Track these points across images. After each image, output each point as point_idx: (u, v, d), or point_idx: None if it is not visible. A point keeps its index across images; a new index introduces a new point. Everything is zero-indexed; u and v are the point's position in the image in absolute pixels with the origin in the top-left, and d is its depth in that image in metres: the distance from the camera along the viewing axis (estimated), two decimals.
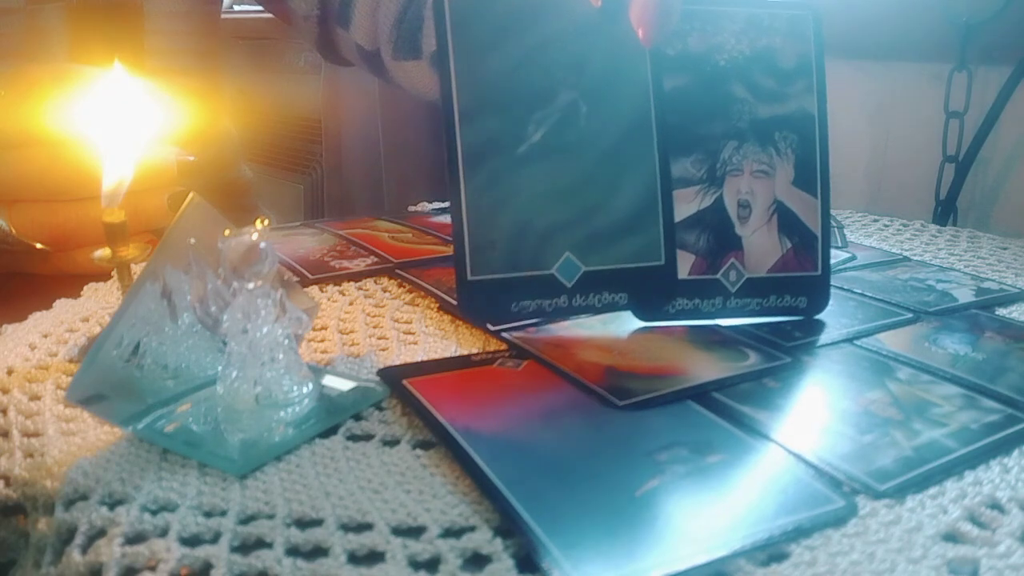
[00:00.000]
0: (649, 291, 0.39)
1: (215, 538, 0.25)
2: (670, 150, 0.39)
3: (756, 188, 0.40)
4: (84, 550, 0.25)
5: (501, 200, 0.37)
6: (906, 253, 0.55)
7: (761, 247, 0.40)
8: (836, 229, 0.61)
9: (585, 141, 0.38)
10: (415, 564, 0.24)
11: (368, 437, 0.31)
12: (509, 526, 0.25)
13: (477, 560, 0.24)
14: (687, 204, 0.40)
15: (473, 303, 0.37)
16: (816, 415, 0.32)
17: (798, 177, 0.41)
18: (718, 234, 0.40)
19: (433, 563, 0.24)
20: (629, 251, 0.39)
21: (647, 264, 0.39)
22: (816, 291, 0.41)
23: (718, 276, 0.40)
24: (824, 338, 0.39)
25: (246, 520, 0.26)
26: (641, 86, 0.39)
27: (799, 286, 0.41)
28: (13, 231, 0.49)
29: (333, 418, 0.32)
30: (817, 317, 0.41)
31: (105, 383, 0.30)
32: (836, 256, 0.52)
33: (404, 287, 0.47)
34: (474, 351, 0.38)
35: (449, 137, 0.37)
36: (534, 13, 0.38)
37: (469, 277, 0.37)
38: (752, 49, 0.40)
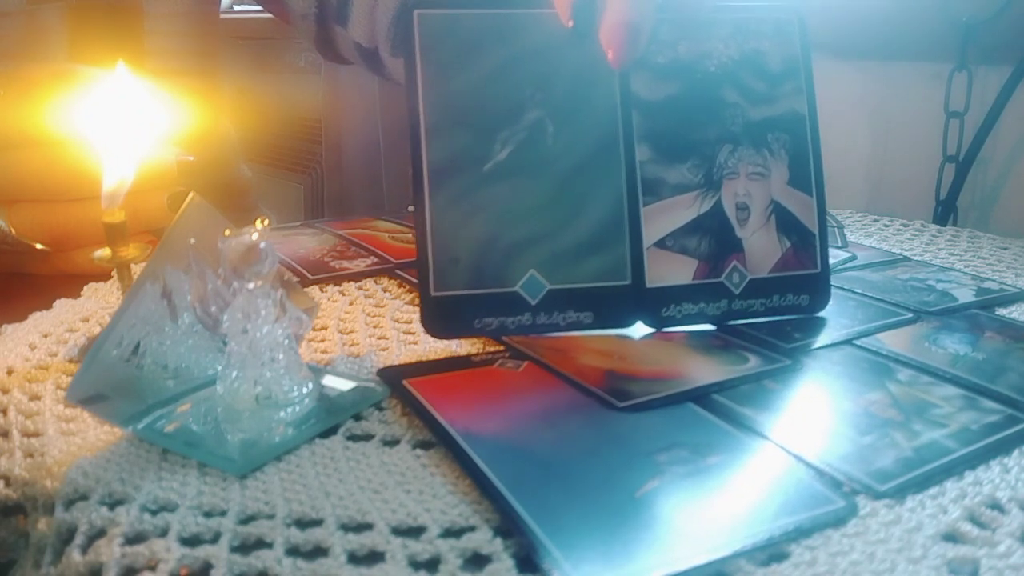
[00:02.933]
0: (615, 310, 0.39)
1: (215, 538, 0.25)
2: (667, 157, 0.40)
3: (753, 190, 0.40)
4: (84, 550, 0.25)
5: (466, 216, 0.37)
6: (906, 253, 0.55)
7: (761, 248, 0.40)
8: (836, 229, 0.61)
9: (551, 159, 0.38)
10: (415, 564, 0.24)
11: (368, 437, 0.31)
12: (509, 526, 0.25)
13: (477, 560, 0.24)
14: (686, 210, 0.40)
15: (435, 318, 0.37)
16: (816, 416, 0.32)
17: (793, 177, 0.41)
18: (718, 237, 0.40)
19: (433, 563, 0.24)
20: (595, 270, 0.39)
21: (613, 283, 0.39)
22: (817, 288, 0.41)
23: (721, 279, 0.40)
24: (824, 339, 0.39)
25: (246, 520, 0.26)
26: (609, 106, 0.39)
27: (801, 284, 0.41)
28: (13, 231, 0.49)
29: (333, 418, 0.32)
30: (818, 316, 0.41)
31: (105, 383, 0.31)
32: (836, 256, 0.52)
33: (404, 287, 0.47)
34: (474, 351, 0.38)
35: (415, 152, 0.37)
36: (504, 31, 0.38)
37: (432, 293, 0.37)
38: (741, 54, 0.41)
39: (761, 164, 0.40)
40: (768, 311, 0.41)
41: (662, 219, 0.39)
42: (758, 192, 0.40)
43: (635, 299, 0.39)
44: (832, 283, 0.42)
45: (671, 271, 0.39)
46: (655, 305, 0.39)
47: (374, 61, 0.69)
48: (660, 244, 0.39)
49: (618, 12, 0.38)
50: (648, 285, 0.39)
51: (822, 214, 0.41)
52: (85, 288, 0.47)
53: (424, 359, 0.37)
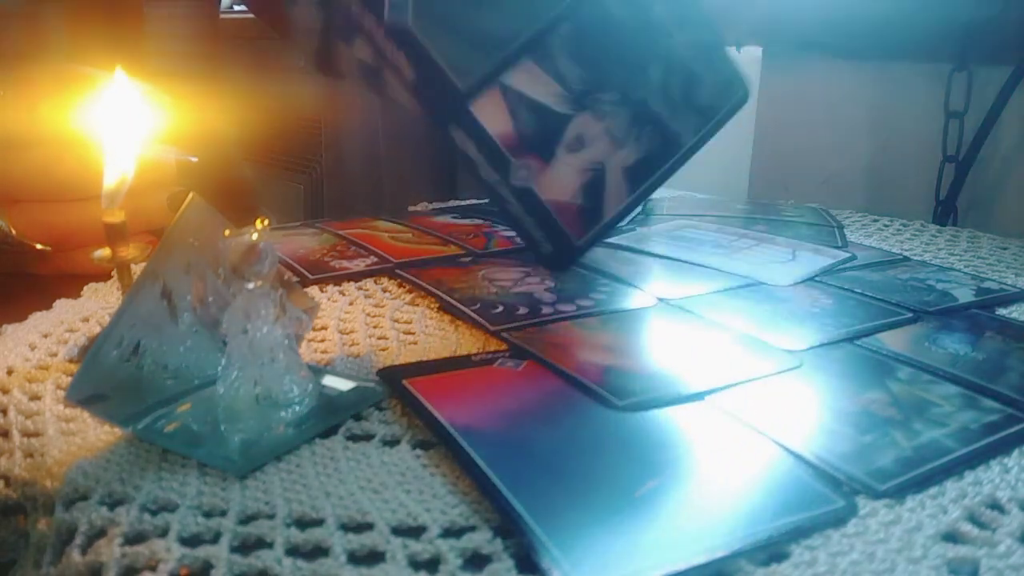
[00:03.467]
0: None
1: (215, 538, 0.25)
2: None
3: (599, 142, 0.41)
4: (84, 550, 0.25)
5: None
6: (906, 253, 0.55)
7: (561, 179, 0.41)
8: (836, 229, 0.61)
9: None
10: (415, 564, 0.24)
11: (368, 437, 0.31)
12: (509, 526, 0.25)
13: (477, 560, 0.24)
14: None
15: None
16: (816, 415, 0.32)
17: (632, 168, 0.41)
18: (545, 133, 0.40)
19: (433, 563, 0.24)
20: None
21: None
22: (563, 251, 0.41)
23: (513, 161, 0.40)
24: (824, 337, 0.39)
25: (246, 520, 0.26)
26: None
27: (556, 234, 0.41)
28: (13, 231, 0.49)
29: (333, 418, 0.32)
30: (818, 316, 0.41)
31: (105, 383, 0.30)
32: (836, 256, 0.52)
33: (404, 287, 0.47)
34: (474, 351, 0.38)
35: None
36: None
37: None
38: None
39: (622, 135, 0.41)
40: (519, 227, 0.41)
41: None
42: (601, 147, 0.41)
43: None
44: (831, 283, 0.41)
45: None
46: None
47: (376, 79, 0.69)
48: None
49: None
50: None
51: (629, 209, 0.42)
52: (85, 288, 0.47)
53: (424, 359, 0.37)
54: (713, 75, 0.42)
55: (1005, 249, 0.57)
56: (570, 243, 0.40)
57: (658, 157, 0.41)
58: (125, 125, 0.37)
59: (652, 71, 0.41)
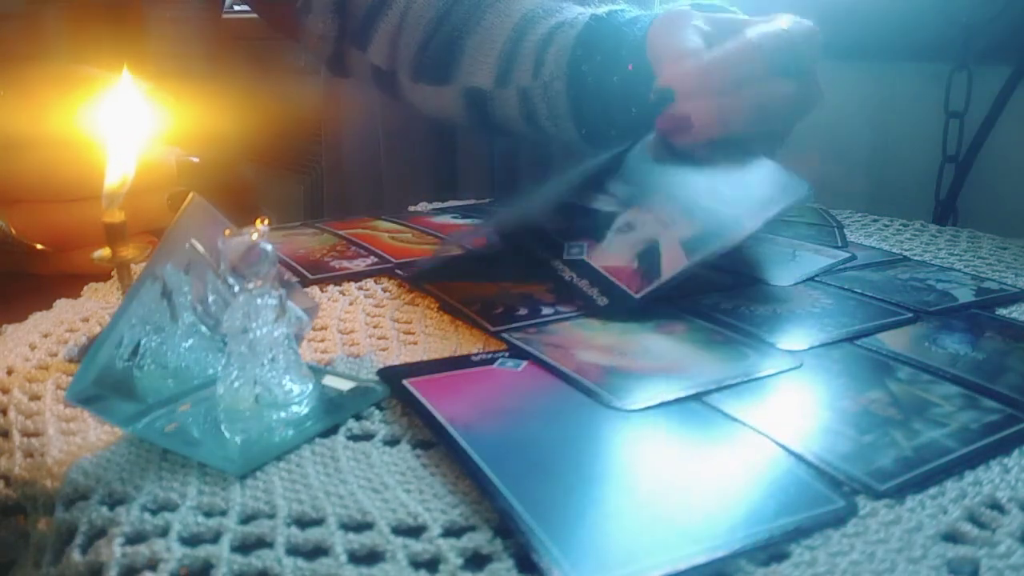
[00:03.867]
0: None
1: (215, 538, 0.25)
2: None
3: (649, 223, 0.43)
4: (84, 550, 0.25)
5: None
6: (906, 253, 0.55)
7: (614, 251, 0.43)
8: (835, 229, 0.61)
9: None
10: (415, 564, 0.24)
11: (368, 437, 0.31)
12: (509, 526, 0.25)
13: (477, 560, 0.24)
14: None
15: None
16: (816, 415, 0.32)
17: (689, 242, 0.42)
18: (596, 225, 0.44)
19: (433, 563, 0.24)
20: None
21: None
22: (620, 304, 0.42)
23: (566, 243, 0.43)
24: (824, 337, 0.39)
25: (246, 520, 0.26)
26: None
27: (611, 289, 0.42)
28: (13, 231, 0.49)
29: (333, 418, 0.32)
30: (817, 316, 0.41)
31: (105, 383, 0.30)
32: (836, 256, 0.52)
33: (404, 287, 0.47)
34: (474, 351, 0.38)
35: None
36: None
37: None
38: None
39: (670, 217, 0.44)
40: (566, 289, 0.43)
41: None
42: (651, 223, 0.44)
43: None
44: (831, 283, 0.42)
45: None
46: None
47: (389, 82, 0.70)
48: None
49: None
50: None
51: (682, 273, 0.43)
52: (85, 288, 0.47)
53: (424, 359, 0.37)
54: (771, 177, 0.45)
55: (1005, 249, 0.57)
56: (627, 296, 0.41)
57: (716, 233, 0.42)
58: (127, 125, 0.37)
59: (700, 181, 0.45)
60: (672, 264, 0.41)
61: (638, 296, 0.41)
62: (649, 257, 0.42)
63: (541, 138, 0.67)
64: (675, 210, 0.44)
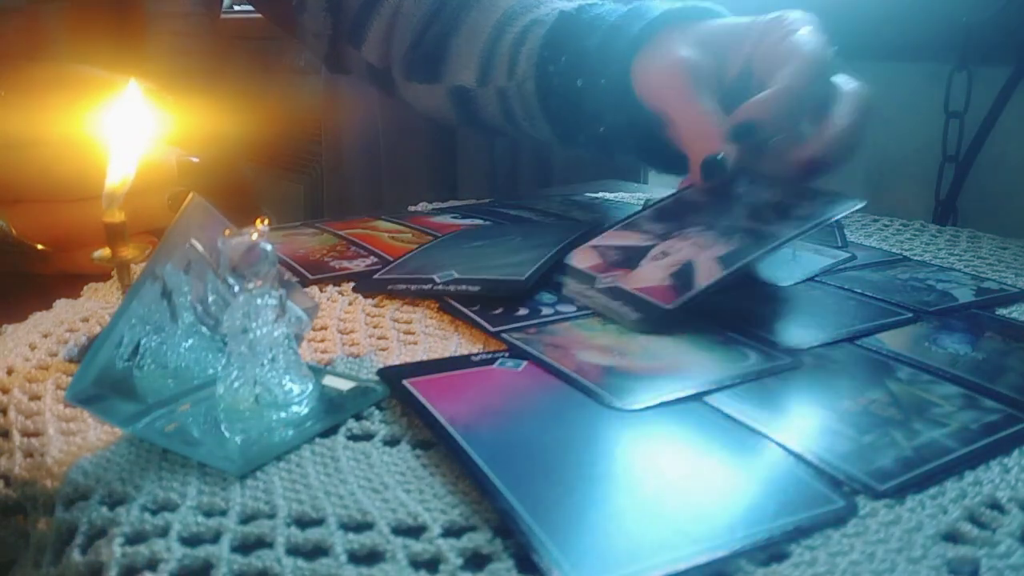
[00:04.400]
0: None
1: (215, 538, 0.25)
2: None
3: (685, 248, 0.43)
4: (84, 550, 0.25)
5: None
6: (906, 253, 0.55)
7: (647, 274, 0.43)
8: (835, 229, 0.61)
9: None
10: (415, 564, 0.24)
11: (368, 437, 0.31)
12: (509, 526, 0.25)
13: (477, 560, 0.24)
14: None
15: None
16: (816, 415, 0.32)
17: (726, 256, 0.42)
18: (630, 257, 0.44)
19: (433, 563, 0.24)
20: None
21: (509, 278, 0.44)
22: (651, 318, 0.41)
23: (598, 276, 0.44)
24: (824, 338, 0.39)
25: (246, 520, 0.26)
26: None
27: (642, 305, 0.41)
28: (13, 231, 0.49)
29: (333, 418, 0.32)
30: (817, 315, 0.41)
31: (105, 383, 0.31)
32: (836, 256, 0.52)
33: None
34: (474, 351, 0.38)
35: None
36: None
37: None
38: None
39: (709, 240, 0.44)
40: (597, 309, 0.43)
41: None
42: (687, 248, 0.44)
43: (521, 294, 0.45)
44: (831, 284, 0.42)
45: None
46: None
47: (384, 79, 0.70)
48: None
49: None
50: None
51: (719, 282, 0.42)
52: (85, 288, 0.47)
53: (424, 359, 0.37)
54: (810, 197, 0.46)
55: (1005, 249, 0.57)
56: (658, 310, 0.40)
57: (754, 245, 0.42)
58: (128, 126, 0.37)
59: (736, 211, 0.45)
60: (707, 276, 0.41)
61: (670, 307, 0.40)
62: (683, 275, 0.41)
63: (525, 137, 0.67)
64: (713, 235, 0.43)
